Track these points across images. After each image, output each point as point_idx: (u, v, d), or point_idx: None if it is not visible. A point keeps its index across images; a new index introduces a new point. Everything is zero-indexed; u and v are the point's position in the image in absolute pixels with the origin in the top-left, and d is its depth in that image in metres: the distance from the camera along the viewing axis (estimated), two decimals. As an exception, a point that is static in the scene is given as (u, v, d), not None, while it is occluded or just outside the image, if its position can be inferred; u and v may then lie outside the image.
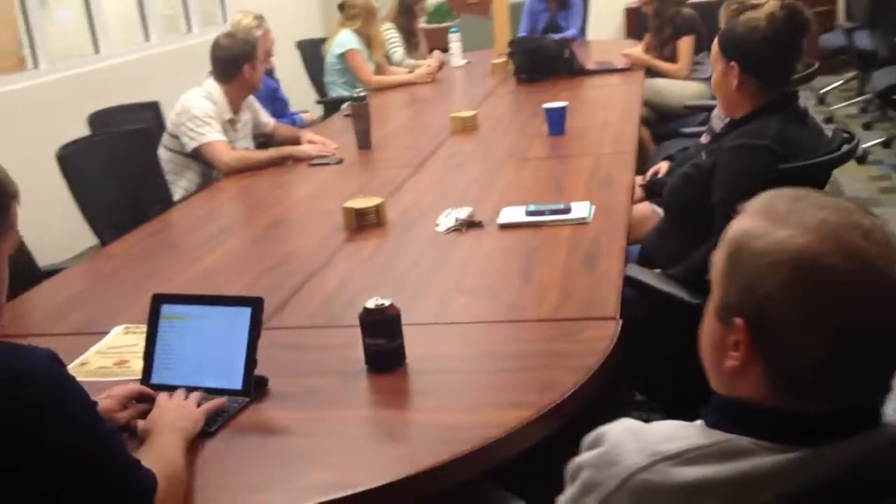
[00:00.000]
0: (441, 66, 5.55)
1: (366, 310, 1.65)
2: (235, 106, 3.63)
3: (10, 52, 5.03)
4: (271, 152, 3.60)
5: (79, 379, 1.16)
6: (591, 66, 5.01)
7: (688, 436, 0.89)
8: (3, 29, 5.03)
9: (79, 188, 2.90)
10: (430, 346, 1.75)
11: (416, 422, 1.53)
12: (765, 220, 0.88)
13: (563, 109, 3.48)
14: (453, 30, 5.94)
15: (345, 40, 5.26)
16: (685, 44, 4.86)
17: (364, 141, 3.64)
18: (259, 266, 2.34)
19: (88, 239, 3.14)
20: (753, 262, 0.88)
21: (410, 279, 2.16)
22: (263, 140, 3.93)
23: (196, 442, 1.44)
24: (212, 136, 3.47)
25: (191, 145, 3.48)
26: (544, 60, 4.88)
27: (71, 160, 2.89)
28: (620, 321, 1.76)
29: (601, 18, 7.76)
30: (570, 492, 0.95)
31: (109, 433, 1.15)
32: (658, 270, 2.26)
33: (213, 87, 3.57)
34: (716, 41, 2.32)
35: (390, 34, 5.87)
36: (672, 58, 4.90)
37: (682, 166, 2.48)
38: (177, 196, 3.50)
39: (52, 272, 2.54)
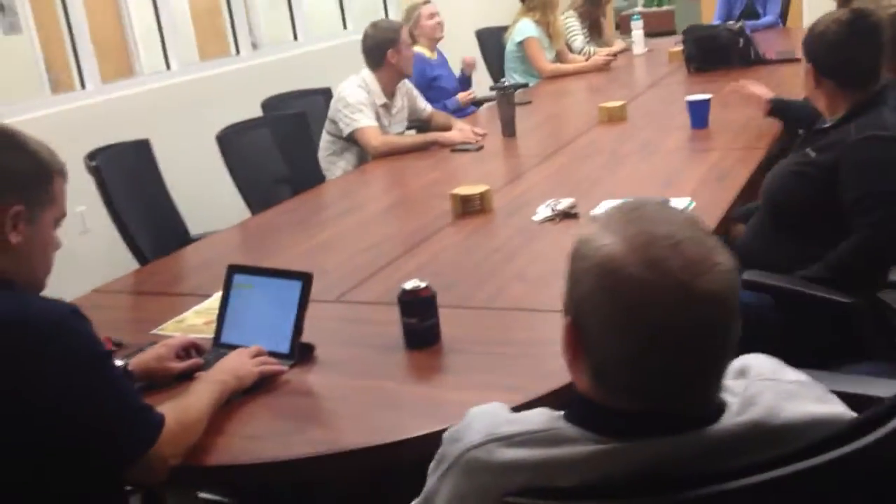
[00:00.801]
0: (616, 54, 5.53)
1: (403, 290, 1.79)
2: (389, 91, 3.86)
3: (217, 40, 5.59)
4: (417, 138, 3.81)
5: (169, 332, 1.39)
6: (771, 55, 4.82)
7: (533, 422, 0.97)
8: (212, 18, 5.59)
9: (235, 167, 3.22)
10: (471, 328, 1.87)
11: (424, 396, 1.66)
12: (601, 228, 0.94)
13: (706, 102, 3.42)
14: (635, 17, 5.88)
15: (524, 28, 5.38)
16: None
17: (508, 129, 3.76)
18: (360, 244, 2.54)
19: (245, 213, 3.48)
20: (576, 264, 0.94)
21: (486, 265, 2.28)
22: (420, 125, 4.15)
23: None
24: (364, 122, 3.72)
25: (346, 130, 3.75)
26: (717, 49, 4.75)
27: (229, 142, 3.22)
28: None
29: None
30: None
31: (116, 378, 1.37)
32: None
33: (367, 75, 3.82)
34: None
35: (570, 22, 5.91)
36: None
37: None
38: (336, 175, 3.79)
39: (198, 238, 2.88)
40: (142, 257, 2.65)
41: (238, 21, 5.30)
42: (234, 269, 1.92)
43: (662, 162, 3.08)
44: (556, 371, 1.59)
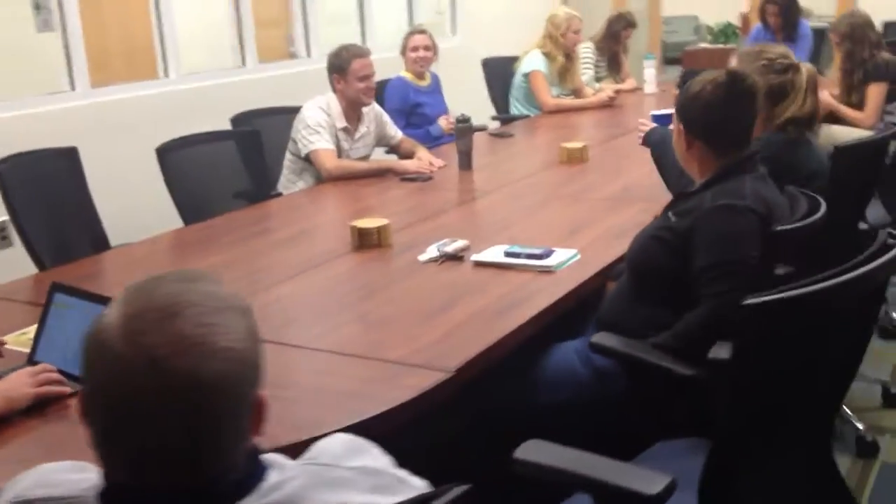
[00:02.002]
0: (620, 91, 5.45)
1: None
2: (350, 115, 3.86)
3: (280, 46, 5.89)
4: (372, 164, 3.81)
5: (10, 344, 1.43)
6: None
7: (69, 489, 0.96)
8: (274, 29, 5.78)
9: (173, 181, 3.27)
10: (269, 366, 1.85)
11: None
12: (118, 297, 0.93)
13: (669, 117, 3.26)
14: (648, 56, 5.79)
15: (532, 61, 5.33)
16: (875, 91, 4.40)
17: (464, 162, 3.73)
18: (244, 269, 2.55)
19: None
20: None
21: (341, 301, 2.28)
22: (389, 151, 4.15)
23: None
24: (319, 144, 3.74)
25: (304, 151, 3.77)
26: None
27: (169, 156, 3.27)
28: (453, 372, 1.77)
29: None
30: None
31: None
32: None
33: (331, 97, 3.83)
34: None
35: (584, 52, 5.85)
36: (859, 105, 4.45)
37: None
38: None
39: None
40: (41, 265, 2.70)
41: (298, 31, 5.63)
42: (56, 288, 1.95)
43: (584, 210, 3.02)
44: (310, 423, 1.58)
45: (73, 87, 4.41)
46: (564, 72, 5.40)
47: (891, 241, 1.54)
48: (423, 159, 3.82)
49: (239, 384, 0.90)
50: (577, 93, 5.55)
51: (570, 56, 5.40)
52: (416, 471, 1.06)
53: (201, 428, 0.88)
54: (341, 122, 3.85)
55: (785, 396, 1.55)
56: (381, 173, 3.74)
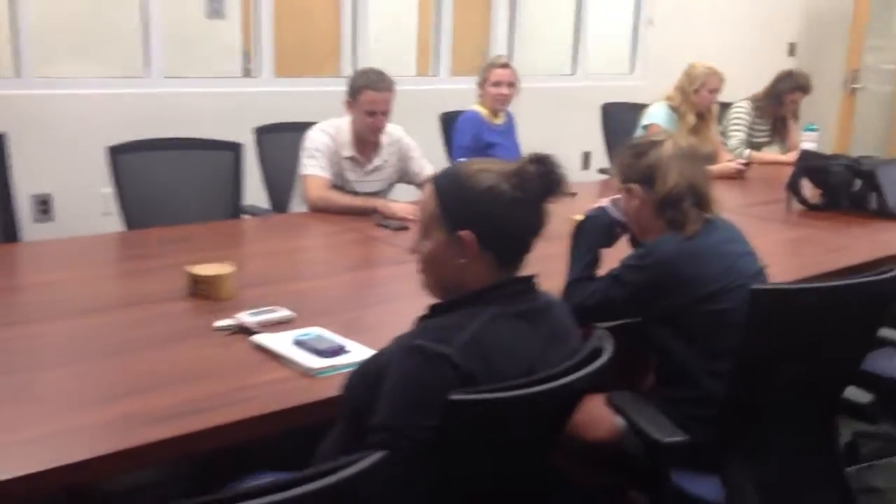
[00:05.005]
0: (747, 166, 4.61)
1: None
2: (361, 145, 3.51)
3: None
4: (357, 200, 3.43)
5: None
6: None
7: None
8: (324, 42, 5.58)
9: (122, 184, 3.12)
10: None
11: None
12: None
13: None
14: (808, 127, 4.87)
15: (655, 113, 4.65)
16: None
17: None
18: (42, 294, 2.32)
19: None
20: None
21: (101, 350, 2.02)
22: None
23: None
24: (310, 169, 3.43)
25: (300, 172, 3.49)
26: (826, 187, 3.76)
27: (122, 159, 3.12)
28: None
29: None
30: None
31: None
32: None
33: (344, 121, 3.50)
34: None
35: (738, 112, 5.07)
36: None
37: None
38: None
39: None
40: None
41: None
42: None
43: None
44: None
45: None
46: (695, 132, 4.66)
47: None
48: (408, 206, 3.36)
49: None
50: (712, 157, 4.79)
51: (702, 116, 4.65)
52: None
53: None
54: (348, 151, 3.50)
55: None
56: (366, 211, 3.36)
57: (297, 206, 3.60)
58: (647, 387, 2.31)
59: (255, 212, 3.66)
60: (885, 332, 2.44)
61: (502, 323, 1.53)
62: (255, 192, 3.74)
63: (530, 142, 4.33)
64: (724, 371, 2.02)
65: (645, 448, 2.03)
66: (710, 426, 2.03)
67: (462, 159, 4.07)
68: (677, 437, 1.96)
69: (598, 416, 2.17)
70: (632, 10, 6.51)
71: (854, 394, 2.21)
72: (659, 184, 2.21)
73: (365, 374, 1.58)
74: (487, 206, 1.59)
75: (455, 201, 1.61)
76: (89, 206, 4.06)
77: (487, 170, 1.62)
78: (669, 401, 2.15)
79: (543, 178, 1.61)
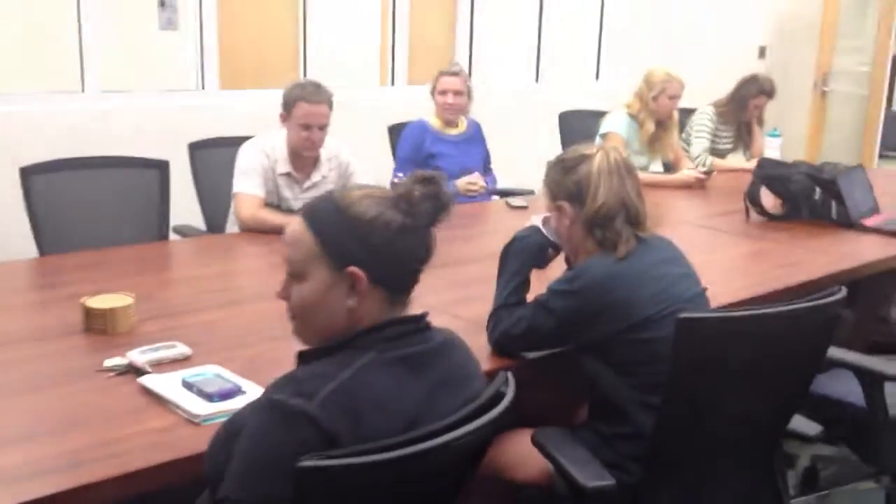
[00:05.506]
0: (707, 175, 4.43)
1: None
2: (297, 160, 3.33)
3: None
4: (290, 219, 3.24)
5: None
6: (872, 222, 3.54)
7: None
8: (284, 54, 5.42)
9: (35, 203, 2.93)
10: None
11: None
12: None
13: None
14: (772, 133, 4.72)
15: (612, 121, 4.48)
16: None
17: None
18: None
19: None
20: None
21: None
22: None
23: None
24: (242, 187, 3.25)
25: (232, 190, 3.31)
26: (787, 196, 3.61)
27: (35, 179, 2.93)
28: None
29: None
30: None
31: None
32: None
33: (280, 136, 3.32)
34: None
35: (700, 119, 4.91)
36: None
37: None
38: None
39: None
40: None
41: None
42: None
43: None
44: None
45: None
46: (655, 140, 4.50)
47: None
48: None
49: None
50: (673, 164, 4.64)
51: (663, 123, 4.49)
52: None
53: None
54: (284, 168, 3.32)
55: None
56: (301, 231, 3.17)
57: (233, 226, 3.42)
58: (579, 421, 2.15)
59: (188, 232, 3.48)
60: (834, 353, 2.26)
61: (379, 370, 1.35)
62: (194, 211, 3.57)
63: (494, 150, 4.19)
64: (658, 404, 1.86)
65: (570, 492, 1.86)
66: (643, 465, 1.87)
67: (400, 174, 3.92)
68: (604, 482, 1.79)
69: (526, 454, 2.01)
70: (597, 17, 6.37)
71: (801, 424, 2.04)
72: (588, 201, 2.05)
73: (225, 432, 1.40)
74: (376, 237, 1.42)
75: (338, 235, 1.43)
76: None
77: (369, 195, 1.45)
78: (601, 437, 1.99)
79: (432, 200, 1.44)
